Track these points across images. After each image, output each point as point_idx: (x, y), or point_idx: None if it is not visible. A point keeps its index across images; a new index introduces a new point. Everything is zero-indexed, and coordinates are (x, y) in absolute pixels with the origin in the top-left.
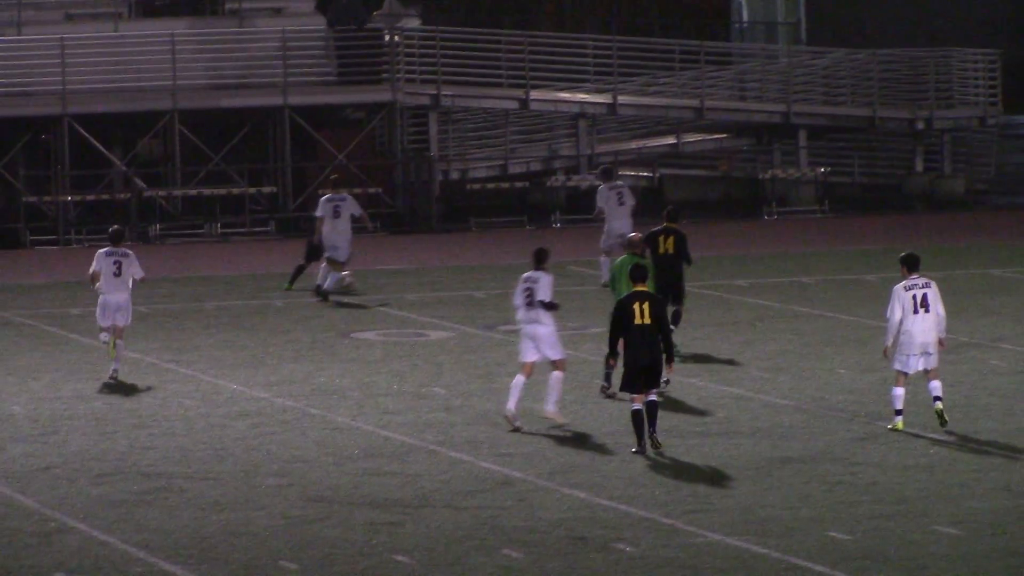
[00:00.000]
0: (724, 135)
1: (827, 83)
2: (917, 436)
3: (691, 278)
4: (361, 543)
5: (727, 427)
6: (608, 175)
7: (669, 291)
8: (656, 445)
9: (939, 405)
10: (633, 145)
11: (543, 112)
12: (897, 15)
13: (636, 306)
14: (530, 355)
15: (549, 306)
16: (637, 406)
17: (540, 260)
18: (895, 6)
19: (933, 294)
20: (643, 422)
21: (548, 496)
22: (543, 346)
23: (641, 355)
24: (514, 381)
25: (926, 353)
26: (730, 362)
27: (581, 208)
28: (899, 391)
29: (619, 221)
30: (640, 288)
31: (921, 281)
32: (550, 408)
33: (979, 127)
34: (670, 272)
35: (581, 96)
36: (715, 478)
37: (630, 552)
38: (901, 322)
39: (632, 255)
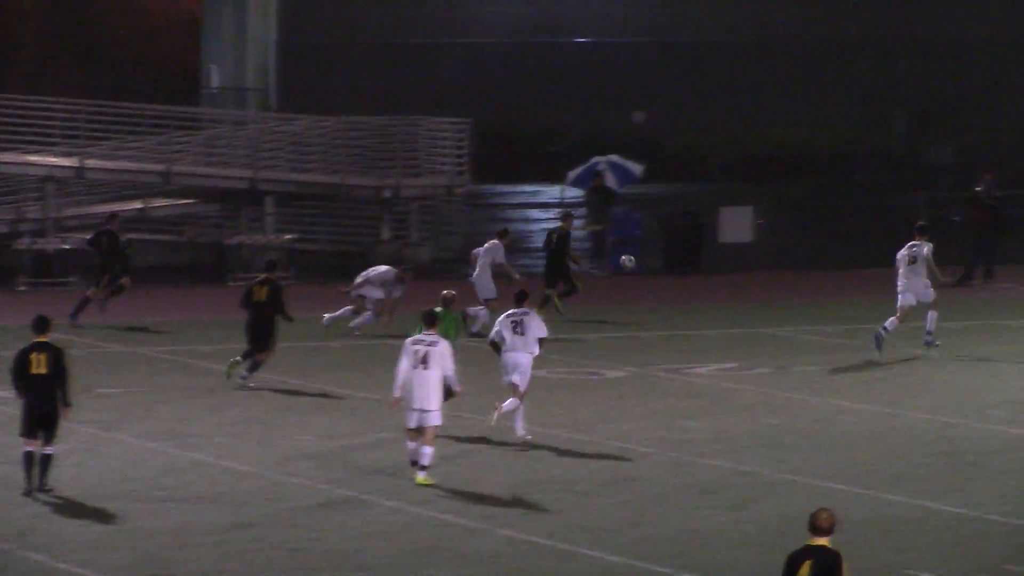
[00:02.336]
0: (192, 200)
1: (296, 150)
2: (378, 503)
3: (153, 343)
4: None
5: (188, 492)
6: (503, 235)
7: (260, 338)
8: (47, 490)
9: (421, 476)
10: (101, 209)
11: (10, 175)
12: (368, 83)
13: (34, 356)
14: (515, 379)
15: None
16: (29, 448)
17: (520, 300)
18: (366, 74)
19: (437, 353)
20: (32, 463)
21: (5, 559)
22: (517, 373)
23: (36, 403)
24: (506, 404)
25: (422, 410)
26: (193, 427)
27: (47, 271)
28: (411, 445)
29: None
30: (42, 339)
31: (429, 338)
32: (495, 417)
33: (447, 196)
34: (261, 320)
35: (49, 159)
36: (175, 543)
37: None
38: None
39: (446, 309)
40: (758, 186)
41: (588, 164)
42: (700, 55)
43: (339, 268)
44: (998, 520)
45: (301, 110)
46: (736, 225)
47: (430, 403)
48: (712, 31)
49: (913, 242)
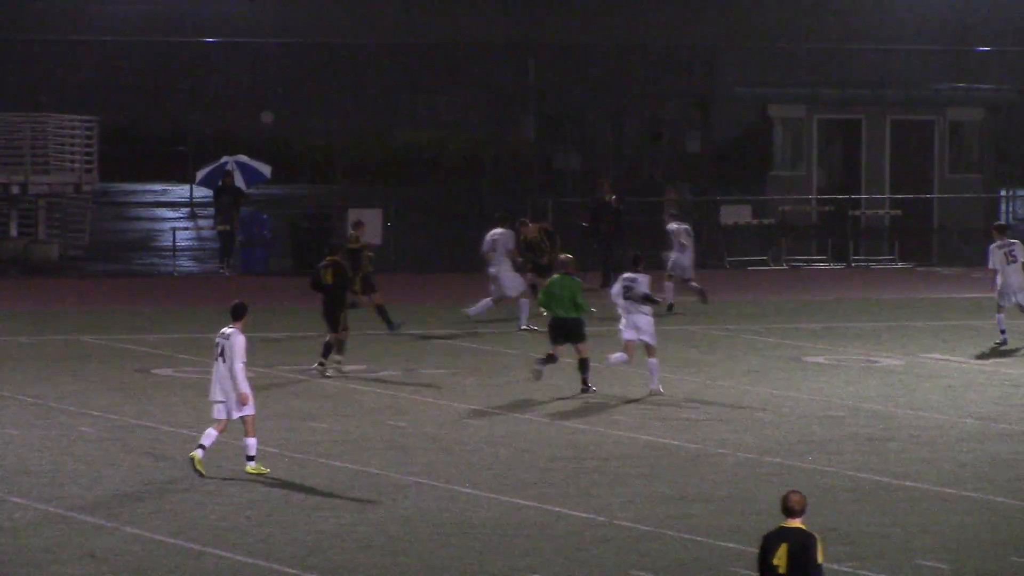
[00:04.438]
0: None
1: None
2: (3, 499)
3: None
4: None
5: None
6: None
7: (332, 320)
8: None
9: (250, 467)
10: None
11: None
12: None
13: None
14: (631, 335)
15: (648, 299)
16: None
17: (636, 263)
18: None
19: (230, 346)
20: None
21: None
22: (643, 333)
23: None
24: (617, 355)
25: (217, 402)
26: None
27: None
28: (211, 432)
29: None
30: None
31: (228, 331)
32: (653, 386)
33: (75, 193)
34: (331, 303)
35: None
36: None
37: None
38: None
39: (564, 275)
40: (387, 189)
41: (216, 163)
42: (331, 57)
43: None
44: (625, 525)
45: None
46: None
47: (218, 395)
48: (344, 33)
49: (1002, 241)
